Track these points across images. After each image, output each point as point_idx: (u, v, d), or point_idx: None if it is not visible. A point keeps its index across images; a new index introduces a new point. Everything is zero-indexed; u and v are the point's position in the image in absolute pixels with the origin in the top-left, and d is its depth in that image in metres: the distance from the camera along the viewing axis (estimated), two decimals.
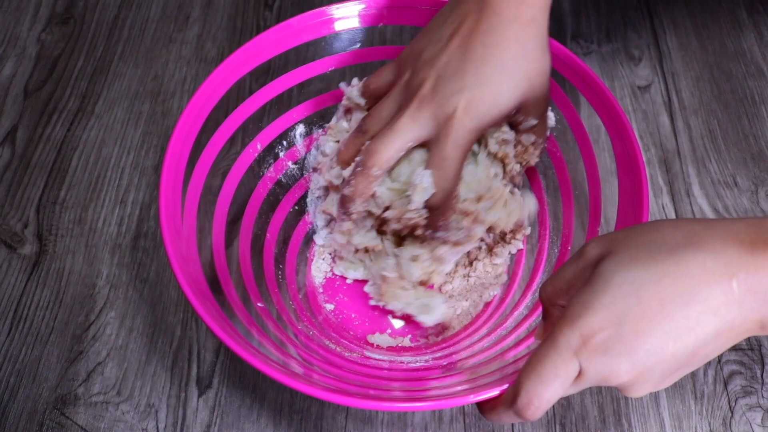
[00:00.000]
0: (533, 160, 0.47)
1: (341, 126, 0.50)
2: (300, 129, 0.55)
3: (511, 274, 0.53)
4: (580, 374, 0.30)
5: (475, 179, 0.45)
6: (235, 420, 0.48)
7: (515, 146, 0.46)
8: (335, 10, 0.50)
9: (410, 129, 0.42)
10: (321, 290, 0.53)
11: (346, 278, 0.54)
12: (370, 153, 0.42)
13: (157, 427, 0.48)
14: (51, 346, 0.51)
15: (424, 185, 0.42)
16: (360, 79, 0.49)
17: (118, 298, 0.53)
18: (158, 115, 0.64)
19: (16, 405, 0.49)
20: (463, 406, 0.48)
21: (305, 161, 0.56)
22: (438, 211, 0.43)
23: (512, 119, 0.44)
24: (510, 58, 0.40)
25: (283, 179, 0.55)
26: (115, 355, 0.51)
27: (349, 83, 0.49)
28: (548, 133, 0.47)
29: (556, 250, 0.51)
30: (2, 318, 0.52)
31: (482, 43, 0.41)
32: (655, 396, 0.48)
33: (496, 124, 0.43)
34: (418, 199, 0.43)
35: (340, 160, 0.46)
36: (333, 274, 0.54)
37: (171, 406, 0.48)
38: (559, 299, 0.34)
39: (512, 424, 0.48)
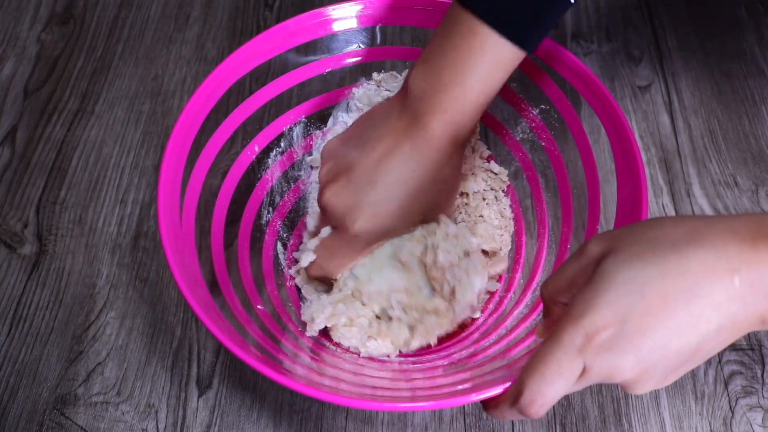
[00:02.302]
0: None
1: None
2: (299, 129, 0.55)
3: (511, 272, 0.53)
4: (583, 372, 0.30)
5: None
6: (235, 420, 0.48)
7: None
8: (334, 10, 0.50)
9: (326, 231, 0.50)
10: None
11: None
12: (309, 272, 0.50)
13: (157, 428, 0.48)
14: (51, 346, 0.51)
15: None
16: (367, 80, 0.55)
17: (118, 298, 0.53)
18: (158, 114, 0.64)
19: (15, 405, 0.49)
20: (464, 406, 0.48)
21: (303, 163, 0.56)
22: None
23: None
24: (421, 188, 0.45)
25: (282, 180, 0.55)
26: (115, 355, 0.51)
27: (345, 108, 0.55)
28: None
29: (555, 249, 0.51)
30: (2, 318, 0.52)
31: (398, 164, 0.44)
32: (655, 396, 0.48)
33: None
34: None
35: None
36: None
37: (171, 406, 0.48)
38: (561, 297, 0.34)
39: (513, 424, 0.48)
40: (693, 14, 0.69)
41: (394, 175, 0.44)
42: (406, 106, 0.45)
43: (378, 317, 0.49)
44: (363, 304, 0.48)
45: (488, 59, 0.42)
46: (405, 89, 0.45)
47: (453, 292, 0.47)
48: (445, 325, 0.48)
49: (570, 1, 0.42)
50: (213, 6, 0.72)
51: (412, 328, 0.48)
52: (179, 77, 0.66)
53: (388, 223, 0.46)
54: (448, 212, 0.49)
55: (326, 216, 0.47)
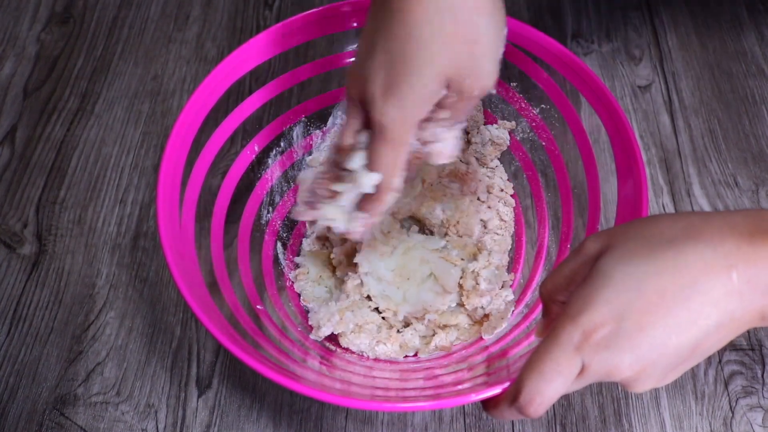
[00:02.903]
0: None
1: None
2: (299, 129, 0.55)
3: (511, 272, 0.53)
4: (582, 370, 0.30)
5: None
6: (234, 420, 0.48)
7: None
8: (334, 10, 0.50)
9: (352, 125, 0.38)
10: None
11: None
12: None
13: (157, 428, 0.47)
14: (50, 346, 0.51)
15: (366, 184, 0.38)
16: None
17: (118, 298, 0.53)
18: (158, 114, 0.64)
19: (15, 405, 0.48)
20: (464, 406, 0.48)
21: (303, 162, 0.56)
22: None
23: (444, 100, 0.36)
24: (421, 20, 0.34)
25: (282, 180, 0.55)
26: (115, 356, 0.50)
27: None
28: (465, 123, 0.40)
29: (555, 249, 0.51)
30: (2, 318, 0.52)
31: (392, 9, 0.34)
32: (655, 396, 0.48)
33: (426, 111, 0.36)
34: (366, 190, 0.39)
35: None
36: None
37: (171, 406, 0.48)
38: (559, 296, 0.34)
39: (513, 424, 0.48)
40: (693, 14, 0.69)
41: (390, 24, 0.34)
42: None
43: (385, 320, 0.49)
44: (379, 313, 0.49)
45: None
46: None
47: (488, 317, 0.49)
48: (465, 339, 0.49)
49: None
50: (213, 6, 0.71)
51: (424, 337, 0.49)
52: (179, 77, 0.66)
53: (404, 96, 0.34)
54: (484, 80, 0.36)
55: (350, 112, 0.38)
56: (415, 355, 0.49)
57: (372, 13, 0.36)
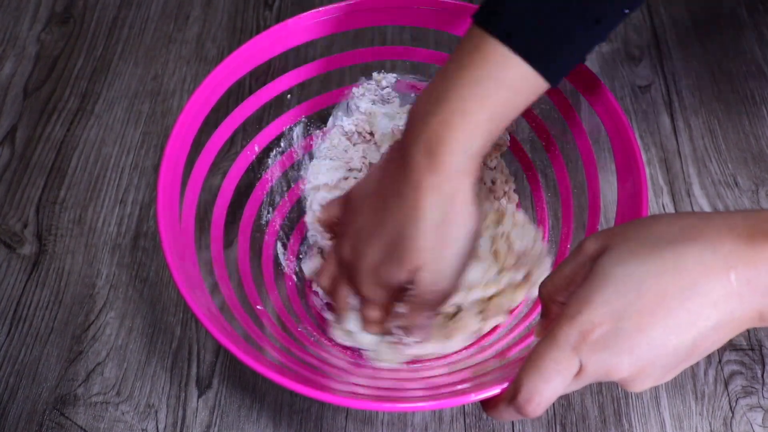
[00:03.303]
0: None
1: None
2: (299, 129, 0.55)
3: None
4: (580, 370, 0.30)
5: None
6: (235, 420, 0.48)
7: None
8: (334, 10, 0.50)
9: (345, 295, 0.45)
10: (320, 292, 0.53)
11: None
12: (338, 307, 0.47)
13: (157, 428, 0.47)
14: (50, 346, 0.51)
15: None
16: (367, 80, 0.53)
17: (118, 298, 0.53)
18: (158, 114, 0.64)
19: (15, 405, 0.48)
20: (464, 406, 0.48)
21: (303, 163, 0.56)
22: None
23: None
24: (409, 225, 0.39)
25: (282, 180, 0.55)
26: (115, 356, 0.50)
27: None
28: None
29: (555, 249, 0.51)
30: (2, 318, 0.52)
31: (392, 209, 0.40)
32: (655, 396, 0.48)
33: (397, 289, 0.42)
34: None
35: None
36: None
37: (171, 406, 0.48)
38: (558, 296, 0.34)
39: (513, 424, 0.48)
40: (693, 14, 0.69)
41: (389, 223, 0.41)
42: (398, 140, 0.42)
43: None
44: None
45: (484, 71, 0.37)
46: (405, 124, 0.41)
47: (529, 276, 0.48)
48: (516, 300, 0.48)
49: (602, 37, 0.39)
50: (213, 6, 0.71)
51: (482, 312, 0.48)
52: (179, 77, 0.66)
53: (387, 281, 0.42)
54: (441, 265, 0.41)
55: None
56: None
57: (382, 190, 0.42)
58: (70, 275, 0.54)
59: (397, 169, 0.40)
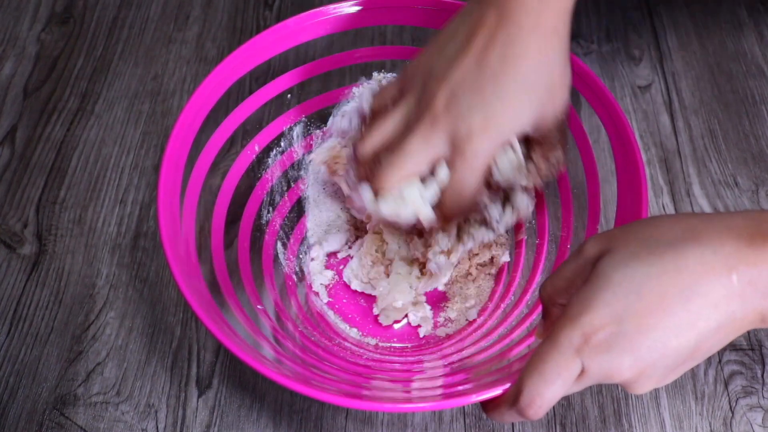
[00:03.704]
0: (551, 175, 0.44)
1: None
2: (299, 129, 0.55)
3: (511, 272, 0.53)
4: (582, 372, 0.30)
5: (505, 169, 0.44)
6: (234, 420, 0.48)
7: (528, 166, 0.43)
8: (334, 10, 0.50)
9: (423, 150, 0.40)
10: (321, 292, 0.53)
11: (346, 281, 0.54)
12: (380, 178, 0.41)
13: (157, 428, 0.47)
14: (50, 346, 0.51)
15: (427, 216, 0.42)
16: (367, 79, 0.51)
17: (118, 298, 0.53)
18: (158, 114, 0.64)
19: (15, 405, 0.48)
20: (464, 407, 0.48)
21: (303, 162, 0.56)
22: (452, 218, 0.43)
23: (529, 135, 0.41)
24: (531, 71, 0.38)
25: (282, 180, 0.55)
26: (115, 355, 0.50)
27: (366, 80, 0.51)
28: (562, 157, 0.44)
29: (555, 249, 0.51)
30: (2, 318, 0.52)
31: (501, 55, 0.37)
32: (655, 396, 0.48)
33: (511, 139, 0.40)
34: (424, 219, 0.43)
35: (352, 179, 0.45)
36: (335, 276, 0.54)
37: (171, 406, 0.48)
38: (559, 298, 0.34)
39: (513, 424, 0.48)
40: (693, 14, 0.69)
41: (499, 70, 0.38)
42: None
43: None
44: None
45: None
46: None
47: (508, 198, 0.46)
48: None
49: None
50: (213, 6, 0.72)
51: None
52: (179, 77, 0.66)
53: (505, 127, 0.39)
54: (564, 109, 0.41)
55: (431, 141, 0.40)
56: (416, 353, 0.49)
57: (479, 54, 0.38)
58: (70, 275, 0.54)
59: (496, 16, 0.38)
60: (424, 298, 0.52)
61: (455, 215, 0.42)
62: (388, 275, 0.52)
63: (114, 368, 0.50)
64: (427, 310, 0.51)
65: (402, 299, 0.50)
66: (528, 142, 0.42)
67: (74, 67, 0.67)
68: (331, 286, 0.54)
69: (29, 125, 0.63)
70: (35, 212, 0.58)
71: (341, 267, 0.54)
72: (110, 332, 0.51)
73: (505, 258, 0.53)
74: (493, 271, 0.53)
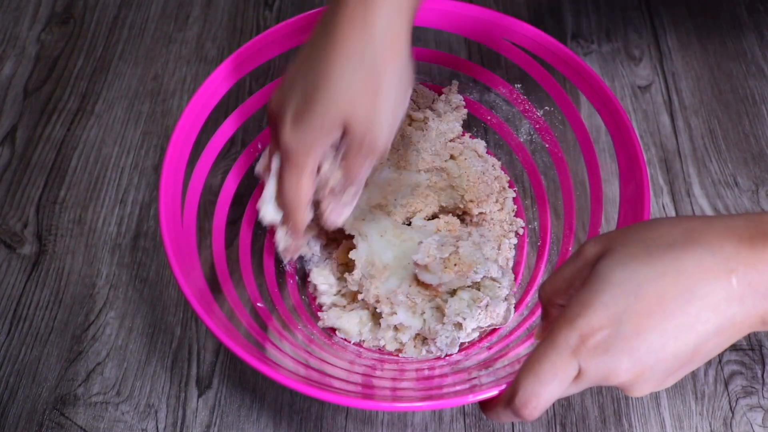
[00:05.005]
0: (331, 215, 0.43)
1: None
2: None
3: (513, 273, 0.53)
4: (579, 374, 0.30)
5: None
6: (234, 420, 0.48)
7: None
8: None
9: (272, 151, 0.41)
10: (321, 290, 0.53)
11: None
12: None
13: (157, 428, 0.47)
14: (50, 346, 0.51)
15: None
16: None
17: (118, 298, 0.53)
18: (158, 114, 0.64)
19: (15, 405, 0.48)
20: (464, 406, 0.48)
21: None
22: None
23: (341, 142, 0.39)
24: (335, 61, 0.36)
25: None
26: (115, 355, 0.50)
27: None
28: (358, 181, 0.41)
29: (556, 251, 0.51)
30: (2, 318, 0.52)
31: (316, 46, 0.37)
32: (655, 396, 0.48)
33: (325, 144, 0.39)
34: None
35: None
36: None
37: (171, 406, 0.48)
38: (558, 299, 0.34)
39: (513, 424, 0.48)
40: (693, 14, 0.69)
41: (312, 60, 0.37)
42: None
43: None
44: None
45: None
46: None
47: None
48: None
49: None
50: (213, 6, 0.71)
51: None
52: (179, 77, 0.66)
53: (307, 128, 0.38)
54: (376, 135, 0.38)
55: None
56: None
57: (311, 38, 0.39)
58: (70, 275, 0.54)
59: (326, 14, 0.37)
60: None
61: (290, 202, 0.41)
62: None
63: (114, 368, 0.50)
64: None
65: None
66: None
67: (74, 67, 0.67)
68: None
69: (29, 125, 0.63)
70: (35, 212, 0.58)
71: None
72: (110, 332, 0.51)
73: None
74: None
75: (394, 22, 0.36)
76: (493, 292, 0.46)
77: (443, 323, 0.46)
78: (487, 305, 0.45)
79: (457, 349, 0.47)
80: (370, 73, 0.36)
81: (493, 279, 0.47)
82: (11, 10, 0.71)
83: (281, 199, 0.42)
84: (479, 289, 0.47)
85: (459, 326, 0.46)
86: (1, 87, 0.65)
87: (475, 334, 0.47)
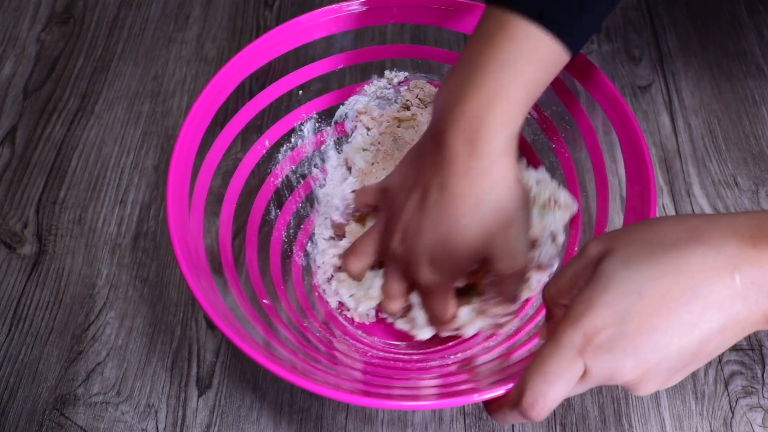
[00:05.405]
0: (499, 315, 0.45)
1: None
2: (310, 126, 0.55)
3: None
4: (585, 373, 0.30)
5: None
6: (235, 420, 0.48)
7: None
8: (338, 9, 0.50)
9: (397, 288, 0.45)
10: (326, 288, 0.53)
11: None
12: (384, 308, 0.47)
13: (157, 428, 0.47)
14: (50, 346, 0.51)
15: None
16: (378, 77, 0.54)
17: (118, 298, 0.53)
18: (158, 115, 0.64)
19: (15, 405, 0.48)
20: (464, 407, 0.48)
21: (313, 159, 0.56)
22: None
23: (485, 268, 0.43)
24: (462, 214, 0.40)
25: (290, 176, 0.55)
26: (115, 355, 0.50)
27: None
28: (517, 302, 0.44)
29: (563, 250, 0.51)
30: (2, 318, 0.52)
31: (436, 201, 0.41)
32: (655, 396, 0.48)
33: (462, 274, 0.43)
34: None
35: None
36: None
37: (171, 406, 0.48)
38: (562, 299, 0.34)
39: (512, 425, 0.48)
40: (693, 14, 0.69)
41: (436, 214, 0.41)
42: (430, 129, 0.42)
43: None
44: None
45: (515, 50, 0.37)
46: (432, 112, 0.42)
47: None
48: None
49: (615, 3, 0.40)
50: (213, 6, 0.72)
51: None
52: (179, 77, 0.66)
53: (447, 269, 0.42)
54: (515, 258, 0.41)
55: (398, 278, 0.45)
56: (420, 353, 0.49)
57: (425, 176, 0.42)
58: (70, 275, 0.54)
59: (435, 159, 0.40)
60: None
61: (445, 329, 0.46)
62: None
63: (114, 368, 0.50)
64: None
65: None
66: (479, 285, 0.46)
67: (74, 67, 0.67)
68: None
69: (29, 125, 0.63)
70: (35, 212, 0.58)
71: None
72: (110, 332, 0.51)
73: None
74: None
75: (507, 166, 0.39)
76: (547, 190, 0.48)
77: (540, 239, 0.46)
78: (552, 200, 0.47)
79: (558, 262, 0.47)
80: (498, 212, 0.40)
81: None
82: (11, 10, 0.71)
83: (431, 317, 0.46)
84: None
85: (553, 237, 0.47)
86: (1, 87, 0.65)
87: (563, 236, 0.48)
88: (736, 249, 0.29)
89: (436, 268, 0.42)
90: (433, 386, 0.42)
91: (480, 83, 0.38)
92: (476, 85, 0.38)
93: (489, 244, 0.40)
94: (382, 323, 0.52)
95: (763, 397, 0.48)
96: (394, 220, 0.44)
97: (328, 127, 0.56)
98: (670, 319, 0.29)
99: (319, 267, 0.54)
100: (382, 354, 0.49)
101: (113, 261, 0.55)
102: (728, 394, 0.48)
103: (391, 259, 0.45)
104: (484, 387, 0.34)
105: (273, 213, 0.53)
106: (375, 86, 0.56)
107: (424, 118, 0.55)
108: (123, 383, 0.49)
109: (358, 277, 0.48)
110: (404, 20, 0.52)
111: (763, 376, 0.49)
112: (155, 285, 0.54)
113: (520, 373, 0.32)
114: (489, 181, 0.39)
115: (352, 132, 0.57)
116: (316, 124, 0.56)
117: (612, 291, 0.30)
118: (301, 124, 0.55)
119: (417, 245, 0.42)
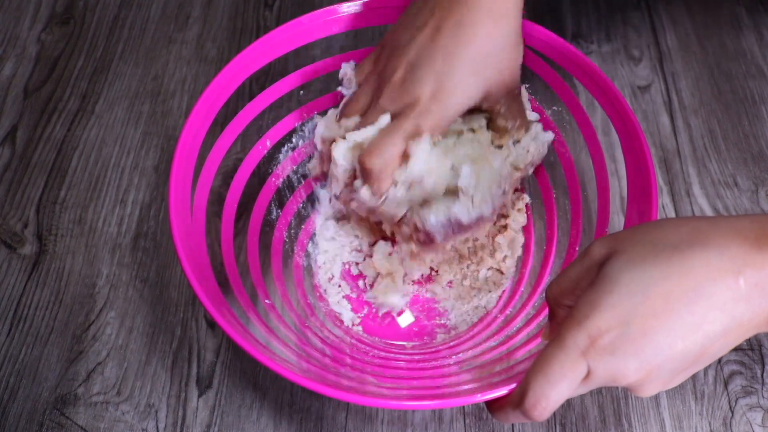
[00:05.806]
0: (521, 137, 0.48)
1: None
2: (311, 126, 0.55)
3: (519, 273, 0.53)
4: (588, 375, 0.30)
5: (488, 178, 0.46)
6: (235, 420, 0.48)
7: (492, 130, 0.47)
8: (339, 9, 0.50)
9: (386, 118, 0.44)
10: (327, 288, 0.53)
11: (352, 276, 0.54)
12: (364, 160, 0.43)
13: (157, 427, 0.48)
14: (51, 346, 0.51)
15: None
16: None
17: (118, 298, 0.53)
18: (158, 115, 0.64)
19: (15, 405, 0.48)
20: (464, 407, 0.48)
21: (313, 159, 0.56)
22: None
23: (480, 107, 0.45)
24: (480, 53, 0.41)
25: (291, 176, 0.55)
26: (115, 355, 0.50)
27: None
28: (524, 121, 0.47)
29: (563, 251, 0.51)
30: (2, 318, 0.52)
31: (453, 35, 0.41)
32: (655, 396, 0.48)
33: (460, 114, 0.44)
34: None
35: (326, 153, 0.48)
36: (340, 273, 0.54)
37: (171, 406, 0.48)
38: (565, 299, 0.34)
39: (513, 425, 0.48)
40: (693, 14, 0.69)
41: (450, 47, 0.41)
42: None
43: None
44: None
45: None
46: None
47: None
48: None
49: None
50: (213, 6, 0.72)
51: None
52: (179, 77, 0.66)
53: (453, 98, 0.42)
54: (513, 85, 0.45)
55: (378, 106, 0.44)
56: (422, 353, 0.49)
57: (437, 27, 0.42)
58: (70, 275, 0.54)
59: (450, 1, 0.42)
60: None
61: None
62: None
63: (114, 368, 0.50)
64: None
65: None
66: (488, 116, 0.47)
67: (74, 67, 0.67)
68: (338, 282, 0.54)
69: (29, 125, 0.63)
70: (35, 212, 0.58)
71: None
72: (110, 332, 0.52)
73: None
74: (498, 274, 0.53)
75: (513, 8, 0.43)
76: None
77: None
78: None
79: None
80: (494, 60, 0.42)
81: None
82: (11, 10, 0.71)
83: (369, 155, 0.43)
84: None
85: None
86: (1, 87, 0.65)
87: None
88: (739, 251, 0.29)
89: (436, 99, 0.42)
90: (434, 386, 0.42)
91: None
92: None
93: (486, 85, 0.42)
94: (383, 323, 0.52)
95: (763, 397, 0.48)
96: (396, 55, 0.44)
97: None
98: (673, 320, 0.29)
99: (320, 267, 0.54)
100: (383, 354, 0.49)
101: (113, 261, 0.55)
102: (728, 394, 0.48)
103: (388, 94, 0.43)
104: (486, 387, 0.34)
105: (274, 213, 0.53)
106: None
107: None
108: (123, 383, 0.49)
109: (382, 172, 0.44)
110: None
111: (762, 376, 0.49)
112: (155, 285, 0.54)
113: (522, 374, 0.32)
114: (508, 24, 0.42)
115: None
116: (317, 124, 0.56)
117: (617, 293, 0.30)
118: (302, 124, 0.55)
119: (423, 73, 0.42)
